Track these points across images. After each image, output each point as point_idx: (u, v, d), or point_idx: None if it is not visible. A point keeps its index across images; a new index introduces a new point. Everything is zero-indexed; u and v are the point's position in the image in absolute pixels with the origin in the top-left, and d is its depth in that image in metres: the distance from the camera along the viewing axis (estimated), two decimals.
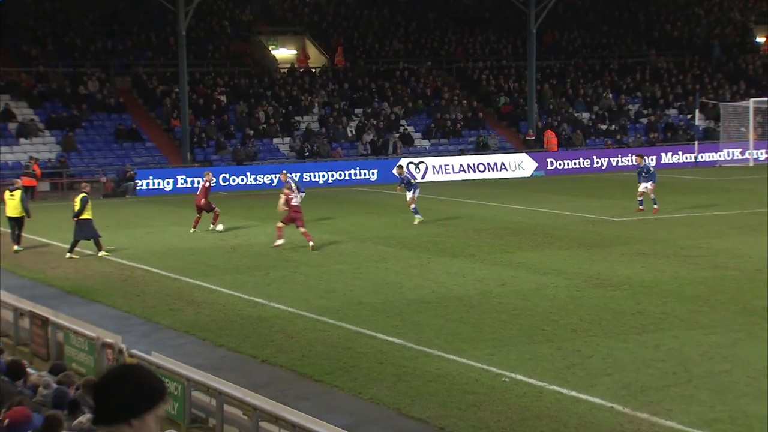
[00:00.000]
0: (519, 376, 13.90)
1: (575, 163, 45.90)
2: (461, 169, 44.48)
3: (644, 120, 51.60)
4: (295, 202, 25.83)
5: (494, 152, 46.79)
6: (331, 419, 11.27)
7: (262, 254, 24.62)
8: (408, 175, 31.78)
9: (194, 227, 28.30)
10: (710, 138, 49.36)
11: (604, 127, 50.72)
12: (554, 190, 38.69)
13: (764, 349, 15.04)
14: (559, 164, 45.69)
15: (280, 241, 25.49)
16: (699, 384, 13.42)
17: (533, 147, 47.63)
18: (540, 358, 14.80)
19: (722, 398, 12.83)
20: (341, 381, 14.01)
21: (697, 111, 49.04)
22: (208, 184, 28.69)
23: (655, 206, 30.67)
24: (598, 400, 12.86)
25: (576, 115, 51.28)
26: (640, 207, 30.87)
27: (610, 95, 52.94)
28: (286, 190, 26.21)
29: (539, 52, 50.63)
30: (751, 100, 47.74)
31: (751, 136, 46.94)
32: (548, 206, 32.86)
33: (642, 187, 30.94)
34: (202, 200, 28.32)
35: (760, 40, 60.03)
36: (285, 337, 16.50)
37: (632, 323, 16.86)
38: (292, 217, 25.43)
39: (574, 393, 13.15)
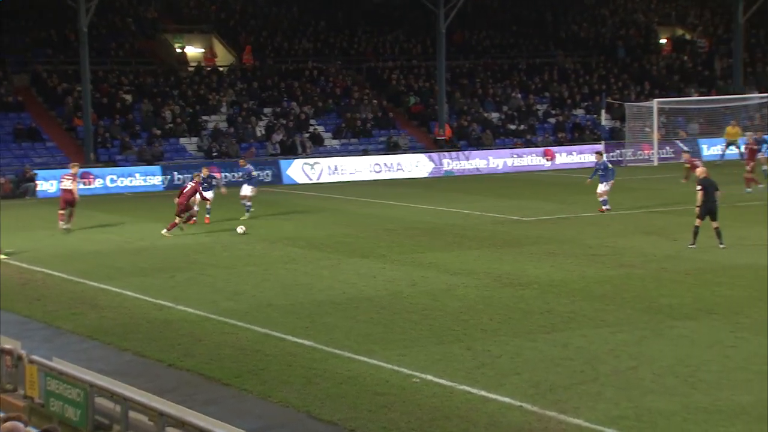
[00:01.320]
0: (429, 377, 13.99)
1: (484, 163, 46.35)
2: (368, 168, 44.59)
3: (552, 120, 52.37)
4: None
5: (404, 151, 47.04)
6: (240, 423, 11.20)
7: (168, 256, 24.34)
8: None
9: (170, 229, 27.27)
10: (616, 138, 50.32)
11: (513, 127, 51.33)
12: (464, 189, 39.01)
13: (669, 346, 15.41)
14: (468, 164, 46.10)
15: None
16: (606, 382, 13.68)
17: (444, 146, 48.01)
18: (450, 359, 14.92)
19: (628, 395, 13.10)
20: (250, 384, 13.93)
21: (603, 111, 49.93)
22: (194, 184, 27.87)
23: (605, 207, 30.51)
24: (507, 399, 13.01)
25: (486, 115, 51.80)
26: (603, 207, 30.52)
27: (519, 95, 53.62)
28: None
29: (449, 52, 51.02)
30: (655, 100, 48.82)
31: (655, 135, 48.00)
32: (458, 206, 33.15)
33: (602, 187, 30.74)
34: (184, 200, 27.32)
35: (663, 41, 61.44)
36: (192, 341, 16.34)
37: (541, 322, 17.11)
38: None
39: (483, 392, 13.29)
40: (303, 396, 13.34)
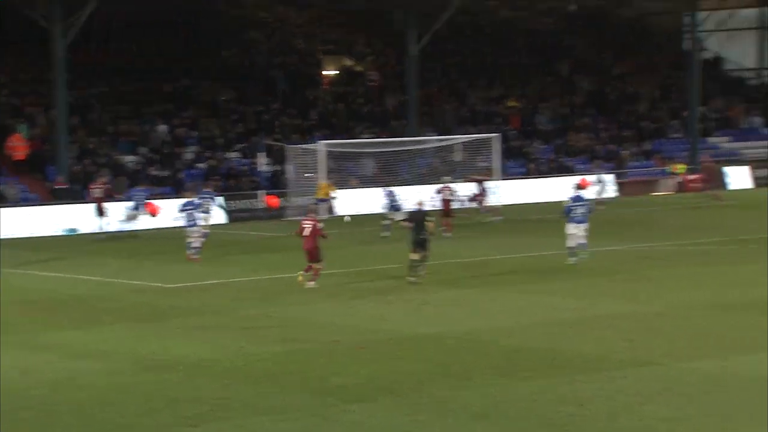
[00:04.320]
0: None
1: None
2: None
3: (202, 165, 52.29)
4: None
5: (14, 204, 45.15)
6: None
7: None
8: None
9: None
10: (277, 185, 51.07)
11: (156, 172, 50.75)
12: (98, 251, 38.19)
13: None
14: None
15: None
16: None
17: (64, 198, 46.21)
18: None
19: None
20: None
21: (261, 154, 50.36)
22: None
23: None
24: None
25: (118, 157, 50.84)
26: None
27: (162, 133, 53.08)
28: None
29: (70, 80, 49.59)
30: (321, 142, 49.93)
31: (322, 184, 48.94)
32: (89, 272, 32.33)
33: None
34: None
35: (330, 72, 63.22)
36: None
37: (187, 412, 16.80)
38: None
39: None
40: None
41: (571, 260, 32.13)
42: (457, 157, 52.81)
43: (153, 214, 40.96)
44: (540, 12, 73.79)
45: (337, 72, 63.42)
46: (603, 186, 50.62)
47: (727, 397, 17.11)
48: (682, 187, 58.77)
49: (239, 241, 39.41)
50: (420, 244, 29.20)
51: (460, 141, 53.76)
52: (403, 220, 30.12)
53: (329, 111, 58.68)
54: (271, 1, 65.59)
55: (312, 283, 28.61)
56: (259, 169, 51.14)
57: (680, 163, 60.42)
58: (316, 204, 39.97)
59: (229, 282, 30.39)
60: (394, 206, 41.49)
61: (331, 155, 50.62)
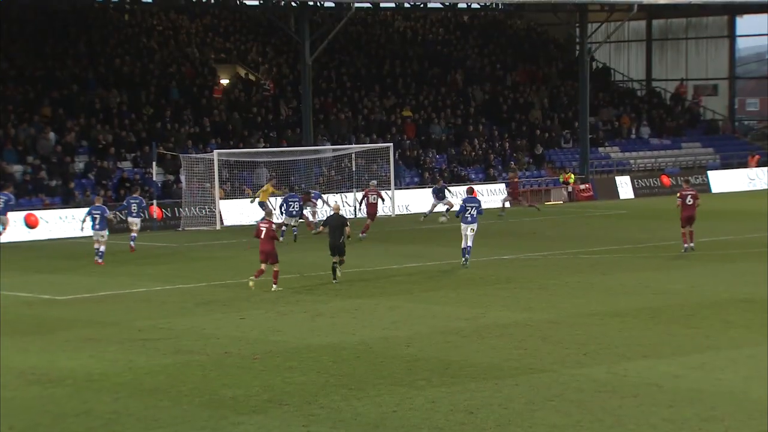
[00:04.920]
0: None
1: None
2: None
3: (92, 175, 51.45)
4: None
5: None
6: None
7: None
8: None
9: None
10: (172, 196, 50.55)
11: (45, 182, 49.84)
12: None
13: None
14: None
15: None
16: None
17: None
18: None
19: None
20: None
21: (154, 163, 49.76)
22: None
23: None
24: None
25: (6, 166, 49.77)
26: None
27: (51, 140, 52.12)
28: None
29: None
30: (215, 151, 49.55)
31: (217, 193, 48.55)
32: None
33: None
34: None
35: (225, 81, 62.84)
36: None
37: (76, 428, 16.51)
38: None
39: None
40: None
41: (465, 263, 33.08)
42: (353, 166, 52.79)
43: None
44: (434, 22, 74.30)
45: (232, 81, 63.04)
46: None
47: (618, 402, 17.30)
48: (572, 197, 59.54)
49: (132, 252, 38.90)
50: (337, 249, 30.38)
51: (355, 150, 53.77)
52: (322, 224, 31.68)
53: (223, 120, 58.25)
54: (164, 9, 64.98)
55: (275, 286, 29.36)
56: (153, 179, 50.43)
57: (571, 172, 61.26)
58: (271, 207, 39.65)
59: (120, 294, 29.97)
60: (289, 212, 41.72)
61: (226, 164, 50.29)
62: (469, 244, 33.14)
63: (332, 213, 31.74)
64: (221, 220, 48.20)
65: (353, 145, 55.62)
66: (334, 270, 30.63)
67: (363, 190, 45.56)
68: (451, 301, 27.64)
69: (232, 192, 51.11)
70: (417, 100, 65.38)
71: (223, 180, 49.76)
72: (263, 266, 29.50)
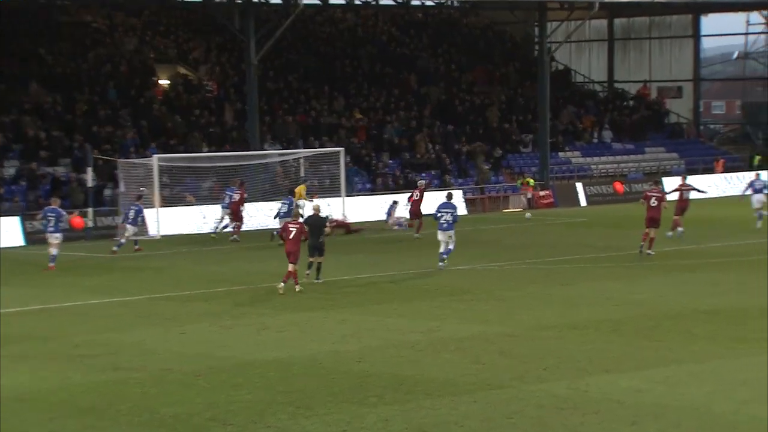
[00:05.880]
0: None
1: None
2: None
3: (24, 181, 51.15)
4: None
5: None
6: None
7: None
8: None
9: None
10: (106, 202, 50.33)
11: None
12: None
13: None
14: None
15: None
16: None
17: None
18: None
19: None
20: None
21: (89, 169, 49.33)
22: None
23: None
24: None
25: None
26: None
27: None
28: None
29: None
30: (155, 156, 49.32)
31: (156, 199, 48.26)
32: None
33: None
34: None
35: (165, 81, 62.60)
36: None
37: None
38: None
39: None
40: None
41: (440, 265, 34.40)
42: (301, 171, 52.72)
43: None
44: (386, 20, 74.49)
45: (172, 81, 62.76)
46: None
47: (579, 419, 17.46)
48: (532, 204, 59.83)
49: (66, 263, 38.58)
50: (317, 249, 31.98)
51: (303, 155, 53.73)
52: (304, 221, 32.72)
53: (164, 122, 58.03)
54: (100, 6, 64.64)
55: (298, 287, 30.68)
56: (89, 185, 50.03)
57: (530, 177, 61.60)
58: (299, 207, 39.90)
59: (55, 307, 29.80)
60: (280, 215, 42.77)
61: (166, 170, 50.03)
62: (450, 247, 34.67)
63: (312, 213, 33.04)
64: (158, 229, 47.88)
65: (302, 150, 55.62)
66: (310, 265, 32.07)
67: (314, 196, 46.21)
68: (405, 313, 27.73)
69: (173, 199, 50.87)
70: (368, 101, 65.52)
71: (162, 186, 49.41)
72: (291, 267, 30.55)
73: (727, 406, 18.05)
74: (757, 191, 46.85)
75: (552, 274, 34.43)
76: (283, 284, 30.51)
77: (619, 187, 60.94)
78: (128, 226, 42.24)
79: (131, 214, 42.06)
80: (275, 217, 43.95)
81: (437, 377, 20.49)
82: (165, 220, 48.39)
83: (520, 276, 34.09)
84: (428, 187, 48.53)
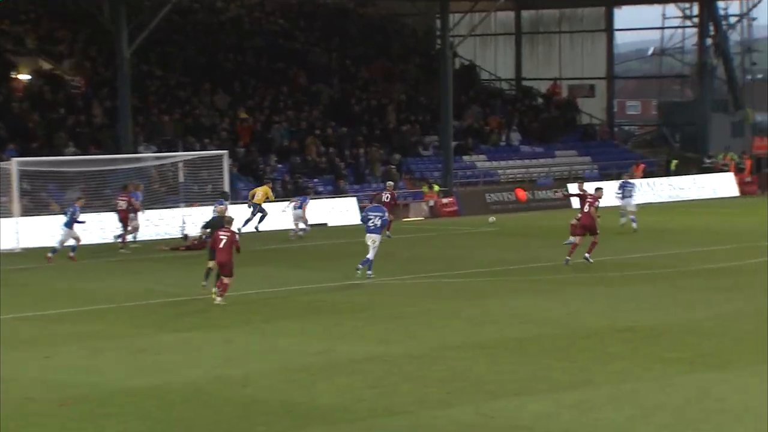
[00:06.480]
0: None
1: None
2: None
3: None
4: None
5: None
6: None
7: None
8: None
9: None
10: None
11: None
12: None
13: None
14: None
15: None
16: None
17: None
18: None
19: None
20: None
21: None
22: None
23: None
24: None
25: None
26: None
27: None
28: None
29: None
30: (14, 160, 48.51)
31: (16, 207, 47.55)
32: None
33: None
34: None
35: (26, 76, 61.73)
36: None
37: None
38: None
39: None
40: None
41: (368, 273, 35.61)
42: (180, 176, 52.16)
43: None
44: (273, 10, 74.35)
45: (33, 76, 61.91)
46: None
47: None
48: (435, 212, 60.08)
49: None
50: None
51: (182, 158, 53.27)
52: (203, 226, 33.59)
53: (24, 121, 57.27)
54: None
55: (219, 299, 30.75)
56: None
57: (435, 183, 61.81)
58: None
59: None
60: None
61: (26, 174, 49.30)
62: (369, 256, 35.43)
63: (216, 215, 34.02)
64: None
65: (180, 152, 55.19)
66: (207, 274, 32.32)
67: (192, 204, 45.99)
68: (296, 332, 27.65)
69: (35, 207, 50.15)
70: (254, 99, 65.36)
71: (22, 193, 48.69)
72: (226, 280, 30.84)
73: (647, 430, 18.22)
74: (627, 197, 51.24)
75: (457, 289, 34.57)
76: (220, 298, 30.93)
77: (521, 194, 55.88)
78: None
79: None
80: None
81: (331, 403, 20.44)
82: (25, 231, 47.61)
83: (423, 291, 34.18)
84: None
